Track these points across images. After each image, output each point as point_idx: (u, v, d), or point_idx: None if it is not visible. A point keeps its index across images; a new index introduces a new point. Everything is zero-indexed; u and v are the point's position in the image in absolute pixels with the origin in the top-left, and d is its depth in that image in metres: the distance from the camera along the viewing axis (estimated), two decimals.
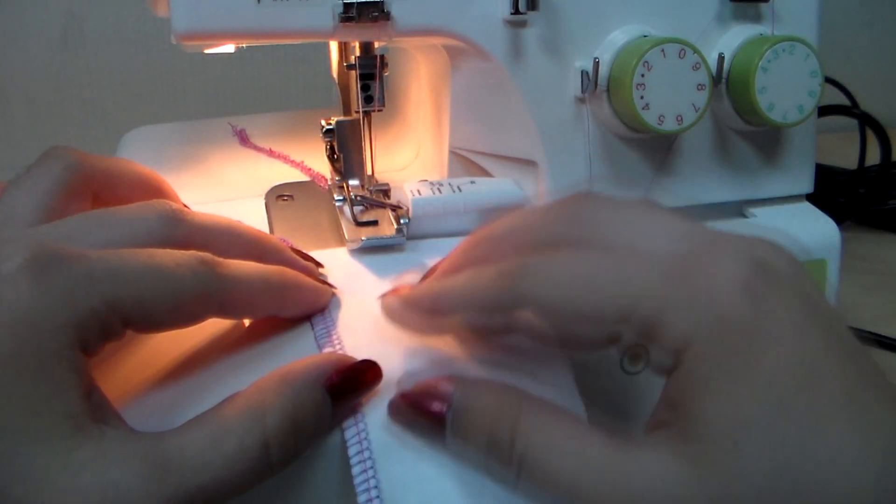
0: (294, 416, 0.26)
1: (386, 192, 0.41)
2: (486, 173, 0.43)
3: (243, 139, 0.53)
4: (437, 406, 0.27)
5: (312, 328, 0.33)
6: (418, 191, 0.38)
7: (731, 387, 0.23)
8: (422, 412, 0.27)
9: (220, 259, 0.29)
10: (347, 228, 0.38)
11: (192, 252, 0.28)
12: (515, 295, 0.26)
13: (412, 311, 0.29)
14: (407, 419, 0.28)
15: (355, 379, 0.28)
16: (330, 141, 0.42)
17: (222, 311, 0.29)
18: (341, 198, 0.40)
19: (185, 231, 0.29)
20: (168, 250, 0.27)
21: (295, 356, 0.32)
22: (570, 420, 0.26)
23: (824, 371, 0.23)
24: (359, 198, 0.40)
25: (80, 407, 0.24)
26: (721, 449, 0.22)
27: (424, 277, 0.32)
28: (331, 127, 0.42)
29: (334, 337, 0.32)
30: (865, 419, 0.22)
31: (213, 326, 0.33)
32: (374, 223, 0.38)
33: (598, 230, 0.26)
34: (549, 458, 0.24)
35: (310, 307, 0.32)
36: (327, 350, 0.31)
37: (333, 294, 0.34)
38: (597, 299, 0.24)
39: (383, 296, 0.31)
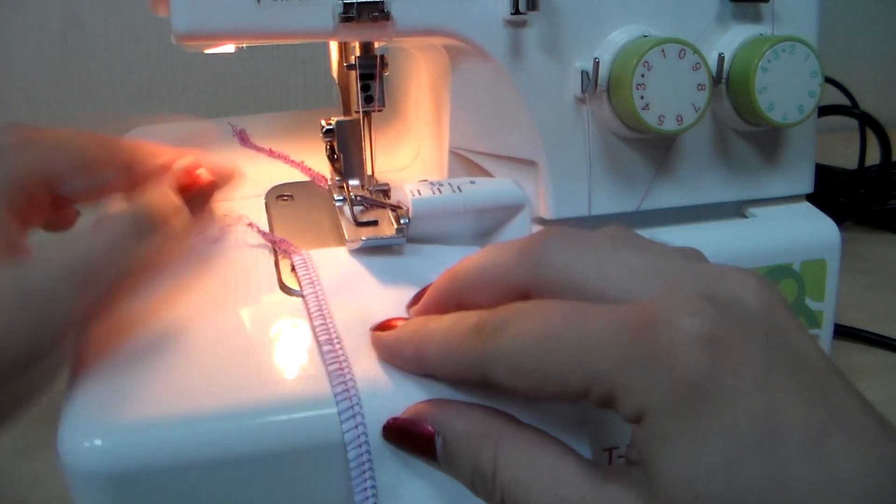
0: (152, 213, 0.34)
1: (386, 193, 0.41)
2: (486, 173, 0.43)
3: (243, 139, 0.53)
4: (427, 430, 0.28)
5: (313, 329, 0.33)
6: (418, 191, 0.38)
7: (691, 443, 0.23)
8: (413, 438, 0.28)
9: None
10: (347, 228, 0.38)
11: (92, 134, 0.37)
12: (486, 357, 0.27)
13: (397, 358, 0.31)
14: (400, 443, 0.29)
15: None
16: (330, 141, 0.42)
17: (127, 171, 0.37)
18: (341, 198, 0.40)
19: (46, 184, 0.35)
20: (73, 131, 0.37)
21: (295, 355, 0.32)
22: (549, 450, 0.26)
23: (787, 420, 0.23)
24: (359, 198, 0.40)
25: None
26: (682, 502, 0.23)
27: (412, 303, 0.33)
28: (331, 127, 0.42)
29: (333, 337, 0.32)
30: (831, 465, 0.22)
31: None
32: (374, 223, 0.38)
33: (566, 274, 0.27)
34: (528, 491, 0.25)
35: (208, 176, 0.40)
36: (326, 349, 0.31)
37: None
38: (560, 367, 0.25)
39: (374, 329, 0.32)
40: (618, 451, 0.42)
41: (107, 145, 0.36)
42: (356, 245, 0.37)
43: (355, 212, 0.39)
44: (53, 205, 0.35)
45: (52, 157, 0.34)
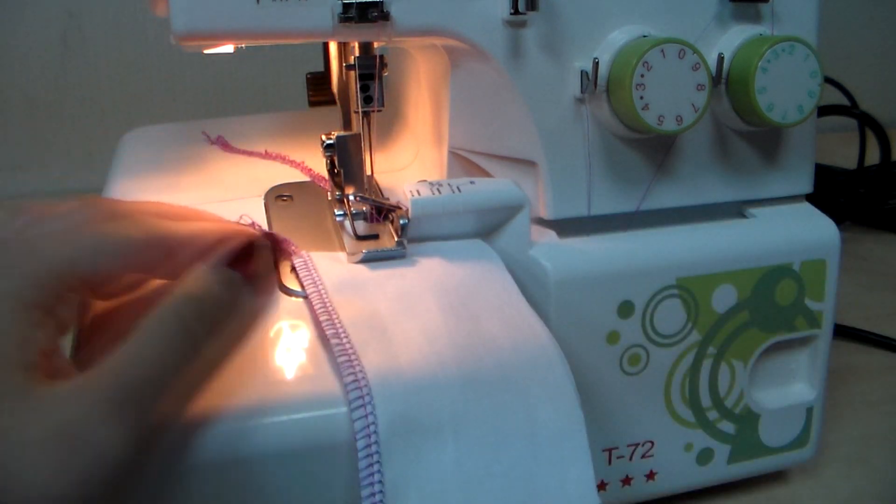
0: (200, 295, 0.29)
1: (387, 214, 0.41)
2: (485, 174, 0.43)
3: (224, 146, 0.53)
4: None
5: (318, 326, 0.33)
6: (418, 191, 0.38)
7: None
8: None
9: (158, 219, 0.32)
10: (348, 242, 0.38)
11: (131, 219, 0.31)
12: None
13: None
14: None
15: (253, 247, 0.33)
16: (331, 156, 0.42)
17: (170, 258, 0.31)
18: (342, 212, 0.40)
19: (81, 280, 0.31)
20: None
21: (299, 355, 0.32)
22: None
23: None
24: (359, 197, 0.40)
25: (34, 363, 0.26)
26: None
27: None
28: (331, 142, 0.42)
29: (340, 331, 0.32)
30: None
31: None
32: (375, 237, 0.38)
33: None
34: None
35: (247, 248, 0.34)
36: (335, 342, 0.31)
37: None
38: None
39: None
40: (617, 451, 0.42)
41: (145, 228, 0.31)
42: (357, 258, 0.37)
43: (356, 224, 0.39)
44: (84, 304, 0.32)
45: (84, 248, 0.29)
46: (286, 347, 0.33)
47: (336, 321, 0.32)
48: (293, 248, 0.38)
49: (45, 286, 0.27)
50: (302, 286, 0.36)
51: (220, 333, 0.29)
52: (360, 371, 0.30)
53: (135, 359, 0.26)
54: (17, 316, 0.26)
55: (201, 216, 0.35)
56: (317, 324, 0.33)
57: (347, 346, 0.31)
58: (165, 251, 0.31)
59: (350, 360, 0.30)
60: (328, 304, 0.34)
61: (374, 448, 0.29)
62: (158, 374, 0.26)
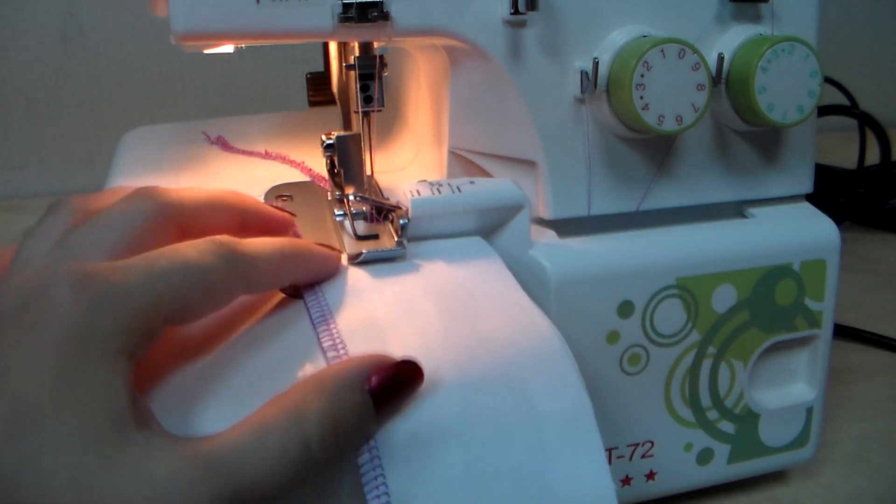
0: (334, 417, 0.27)
1: (387, 214, 0.41)
2: (485, 174, 0.43)
3: (225, 146, 0.53)
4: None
5: (316, 334, 0.33)
6: (417, 191, 0.38)
7: None
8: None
9: (234, 239, 0.30)
10: (348, 242, 0.38)
11: (208, 239, 0.30)
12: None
13: None
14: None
15: (395, 379, 0.29)
16: (330, 156, 0.42)
17: (248, 289, 0.31)
18: (342, 212, 0.40)
19: (180, 216, 0.32)
20: (187, 242, 0.29)
21: (297, 360, 0.32)
22: None
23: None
24: (359, 197, 0.40)
25: (126, 413, 0.25)
26: None
27: None
28: (331, 142, 0.42)
29: (338, 342, 0.32)
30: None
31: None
32: (375, 237, 0.38)
33: None
34: None
35: (323, 273, 0.35)
36: (331, 355, 0.31)
37: (341, 257, 0.36)
38: None
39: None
40: (617, 451, 0.42)
41: (226, 252, 0.29)
42: (357, 259, 0.37)
43: (356, 224, 0.39)
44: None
45: (171, 284, 0.27)
46: (287, 351, 0.33)
47: (334, 331, 0.32)
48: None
49: (132, 330, 0.26)
50: (300, 289, 0.36)
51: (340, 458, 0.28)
52: None
53: (242, 460, 0.25)
54: (107, 365, 0.25)
55: (270, 221, 0.36)
56: (315, 327, 0.33)
57: (344, 356, 0.31)
58: (244, 281, 0.30)
59: None
60: (326, 312, 0.33)
61: (376, 462, 0.28)
62: (260, 487, 0.25)
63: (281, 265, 0.32)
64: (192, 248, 0.29)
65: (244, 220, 0.34)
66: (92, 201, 0.32)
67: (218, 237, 0.30)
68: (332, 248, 0.36)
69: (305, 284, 0.34)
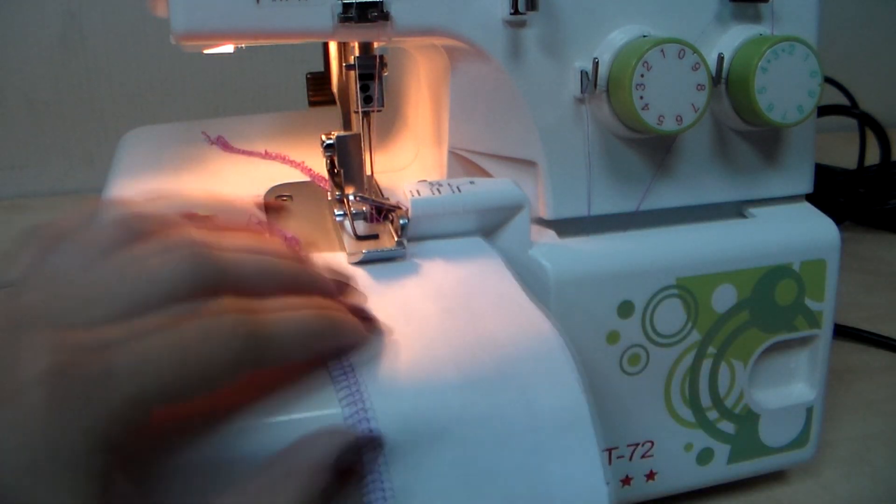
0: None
1: (387, 210, 0.41)
2: (485, 173, 0.43)
3: (225, 146, 0.53)
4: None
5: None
6: (417, 191, 0.38)
7: None
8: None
9: (258, 308, 0.27)
10: (348, 242, 0.38)
11: (229, 314, 0.26)
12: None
13: None
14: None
15: (358, 454, 0.28)
16: (330, 156, 0.42)
17: (258, 367, 0.27)
18: (342, 212, 0.40)
19: (215, 277, 0.27)
20: (199, 321, 0.25)
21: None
22: None
23: None
24: (359, 197, 0.40)
25: None
26: None
27: None
28: (331, 142, 0.42)
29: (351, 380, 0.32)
30: None
31: None
32: (375, 237, 0.38)
33: None
34: None
35: (350, 350, 0.31)
36: (336, 372, 0.31)
37: (378, 330, 0.32)
38: None
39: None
40: (617, 451, 0.42)
41: (243, 334, 0.26)
42: (357, 258, 0.37)
43: (356, 225, 0.39)
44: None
45: (174, 375, 0.24)
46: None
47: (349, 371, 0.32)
48: (297, 247, 0.38)
49: (110, 427, 0.23)
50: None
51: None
52: (354, 384, 0.30)
53: None
54: (77, 470, 0.23)
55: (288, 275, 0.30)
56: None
57: (345, 361, 0.31)
58: (257, 364, 0.27)
59: (346, 376, 0.30)
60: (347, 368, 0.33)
61: (376, 460, 0.28)
62: None
63: (306, 344, 0.28)
64: (200, 331, 0.25)
65: (292, 287, 0.30)
66: (134, 223, 0.28)
67: (240, 315, 0.26)
68: (366, 316, 0.32)
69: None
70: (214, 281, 0.27)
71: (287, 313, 0.28)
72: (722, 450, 0.44)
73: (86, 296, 0.25)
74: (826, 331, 0.44)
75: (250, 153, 0.52)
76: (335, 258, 0.38)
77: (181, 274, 0.26)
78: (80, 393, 0.23)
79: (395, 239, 0.38)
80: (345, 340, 0.30)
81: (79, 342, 0.24)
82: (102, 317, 0.25)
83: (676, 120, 0.38)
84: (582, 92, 0.39)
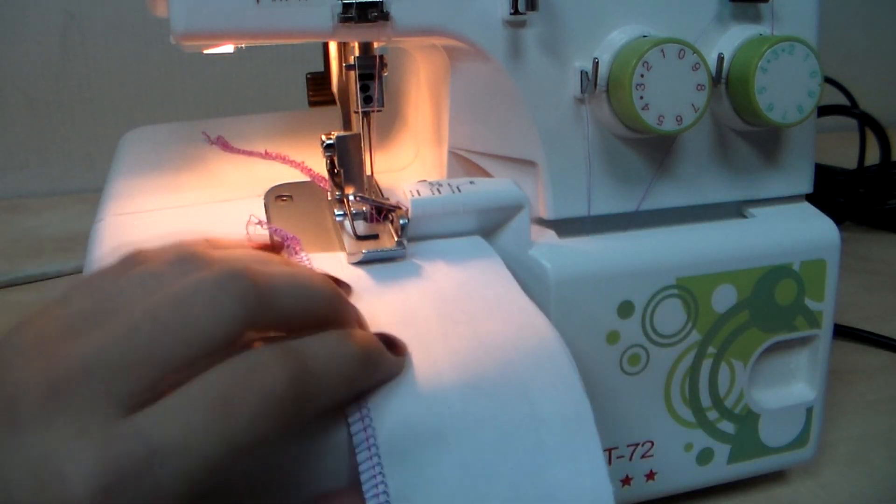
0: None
1: (387, 210, 0.41)
2: (485, 174, 0.43)
3: (225, 146, 0.53)
4: None
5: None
6: (417, 191, 0.38)
7: None
8: None
9: (308, 365, 0.27)
10: (348, 242, 0.38)
11: (281, 375, 0.26)
12: None
13: None
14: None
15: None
16: (330, 156, 0.42)
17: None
18: (342, 212, 0.40)
19: (264, 319, 0.27)
20: (249, 383, 0.25)
21: None
22: None
23: None
24: (359, 197, 0.40)
25: None
26: None
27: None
28: (331, 142, 0.42)
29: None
30: None
31: None
32: (375, 237, 0.38)
33: None
34: None
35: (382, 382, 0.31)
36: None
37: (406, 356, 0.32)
38: None
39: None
40: (617, 451, 0.42)
41: (293, 369, 0.26)
42: (357, 258, 0.37)
43: (356, 224, 0.39)
44: None
45: (220, 446, 0.25)
46: None
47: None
48: (298, 248, 0.38)
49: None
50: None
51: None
52: None
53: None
54: None
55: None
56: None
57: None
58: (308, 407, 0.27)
59: None
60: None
61: (375, 461, 0.28)
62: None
63: (351, 387, 0.29)
64: (247, 403, 0.25)
65: (332, 318, 0.30)
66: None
67: (293, 373, 0.26)
68: (393, 342, 0.32)
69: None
70: (263, 323, 0.27)
71: (330, 356, 0.28)
72: (722, 450, 0.44)
73: (126, 351, 0.25)
74: (826, 331, 0.44)
75: (250, 153, 0.52)
76: (335, 258, 0.38)
77: (230, 315, 0.26)
78: (122, 485, 0.23)
79: (395, 239, 0.38)
80: (383, 376, 0.30)
81: (126, 449, 0.23)
82: (150, 378, 0.25)
83: (676, 120, 0.38)
84: (582, 92, 0.39)
